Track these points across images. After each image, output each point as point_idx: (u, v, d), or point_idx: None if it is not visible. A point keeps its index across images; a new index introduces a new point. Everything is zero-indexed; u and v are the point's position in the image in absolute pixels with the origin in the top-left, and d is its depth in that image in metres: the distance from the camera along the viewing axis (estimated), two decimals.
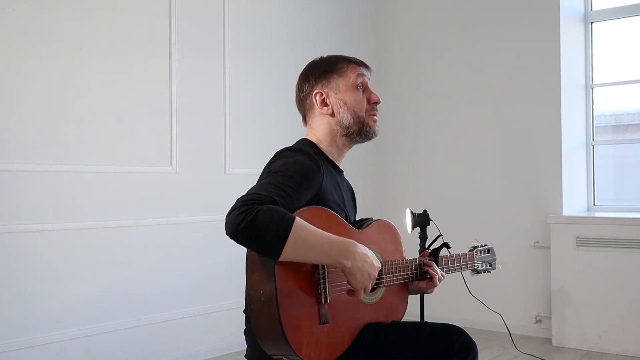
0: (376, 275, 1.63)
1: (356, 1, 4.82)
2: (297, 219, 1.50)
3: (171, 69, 3.56)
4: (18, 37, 2.97)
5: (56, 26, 3.09)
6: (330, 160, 1.86)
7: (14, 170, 2.95)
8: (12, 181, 2.94)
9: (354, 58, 1.89)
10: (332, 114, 1.84)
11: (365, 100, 1.85)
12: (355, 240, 1.64)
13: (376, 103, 1.87)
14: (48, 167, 3.05)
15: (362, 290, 1.62)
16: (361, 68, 1.87)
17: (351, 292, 1.64)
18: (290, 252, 1.49)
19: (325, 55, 1.91)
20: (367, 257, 1.61)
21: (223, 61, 3.84)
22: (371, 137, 1.88)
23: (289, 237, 1.47)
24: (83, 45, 3.19)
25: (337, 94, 1.84)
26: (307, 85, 1.87)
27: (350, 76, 1.84)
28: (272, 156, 1.77)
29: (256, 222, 1.45)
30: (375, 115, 1.87)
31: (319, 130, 1.87)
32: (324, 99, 1.84)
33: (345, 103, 1.83)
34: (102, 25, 3.27)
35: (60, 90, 3.11)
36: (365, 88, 1.87)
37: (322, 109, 1.84)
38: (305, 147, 1.79)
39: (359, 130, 1.84)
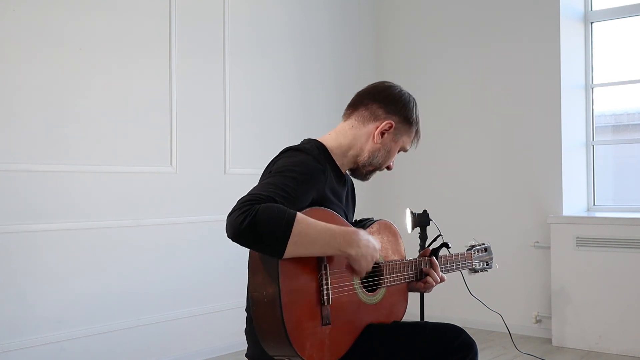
0: (377, 256, 1.68)
1: (356, 1, 4.82)
2: (298, 214, 1.50)
3: (171, 69, 3.56)
4: (18, 37, 2.97)
5: (56, 26, 3.09)
6: (336, 165, 1.83)
7: (14, 170, 2.95)
8: (12, 181, 2.94)
9: (419, 132, 1.92)
10: (375, 144, 1.83)
11: (389, 159, 1.90)
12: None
13: (389, 169, 1.93)
14: (48, 167, 3.05)
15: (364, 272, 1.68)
16: (415, 143, 1.93)
17: (353, 271, 1.68)
18: (293, 248, 1.48)
19: (417, 109, 1.90)
20: (369, 241, 1.64)
21: (223, 61, 3.84)
22: (359, 180, 1.93)
23: (292, 233, 1.47)
24: (83, 45, 3.19)
25: (392, 141, 1.86)
26: (393, 106, 1.84)
27: (408, 141, 1.90)
28: (275, 155, 1.76)
29: (257, 221, 1.44)
30: (375, 172, 1.91)
31: (349, 139, 1.84)
32: (386, 132, 1.84)
33: (388, 152, 1.87)
34: (102, 25, 3.27)
35: (60, 90, 3.11)
36: (398, 153, 1.92)
37: (378, 133, 1.82)
38: (311, 147, 1.76)
39: (367, 172, 1.89)
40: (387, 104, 1.84)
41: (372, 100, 1.85)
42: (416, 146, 1.94)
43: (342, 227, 1.60)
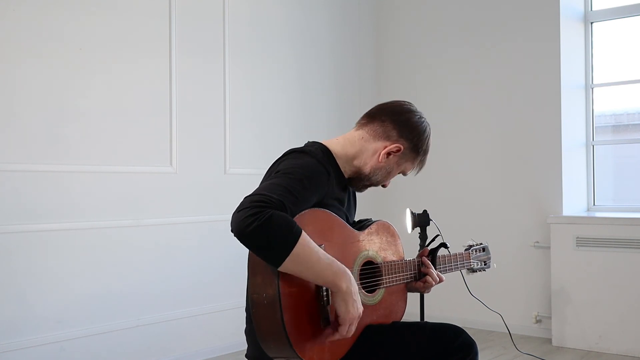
0: (360, 315, 1.60)
1: (356, 1, 4.82)
2: (304, 233, 1.49)
3: (171, 69, 3.56)
4: (18, 37, 2.97)
5: (56, 26, 3.09)
6: (340, 170, 1.83)
7: (14, 170, 2.95)
8: (12, 181, 2.94)
9: (424, 162, 1.93)
10: (379, 163, 1.82)
11: (388, 179, 1.90)
12: (356, 240, 1.68)
13: (384, 186, 1.93)
14: (48, 167, 3.05)
15: (348, 327, 1.58)
16: (417, 171, 1.93)
17: (336, 326, 1.59)
18: (290, 265, 1.48)
19: (429, 141, 1.90)
20: (357, 293, 1.59)
21: (223, 61, 3.84)
22: (354, 189, 1.93)
23: (293, 251, 1.47)
24: (83, 45, 3.19)
25: (395, 164, 1.86)
26: (408, 132, 1.83)
27: (410, 168, 1.91)
28: (278, 156, 1.76)
29: (265, 229, 1.44)
30: (371, 186, 1.90)
31: (356, 149, 1.83)
32: (392, 153, 1.82)
33: (388, 172, 1.87)
34: (102, 25, 3.27)
35: (60, 90, 3.11)
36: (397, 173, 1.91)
37: (384, 153, 1.81)
38: (315, 150, 1.76)
39: (364, 186, 1.88)
40: (402, 127, 1.83)
41: (390, 119, 1.83)
42: (416, 174, 1.94)
43: (340, 264, 1.57)
